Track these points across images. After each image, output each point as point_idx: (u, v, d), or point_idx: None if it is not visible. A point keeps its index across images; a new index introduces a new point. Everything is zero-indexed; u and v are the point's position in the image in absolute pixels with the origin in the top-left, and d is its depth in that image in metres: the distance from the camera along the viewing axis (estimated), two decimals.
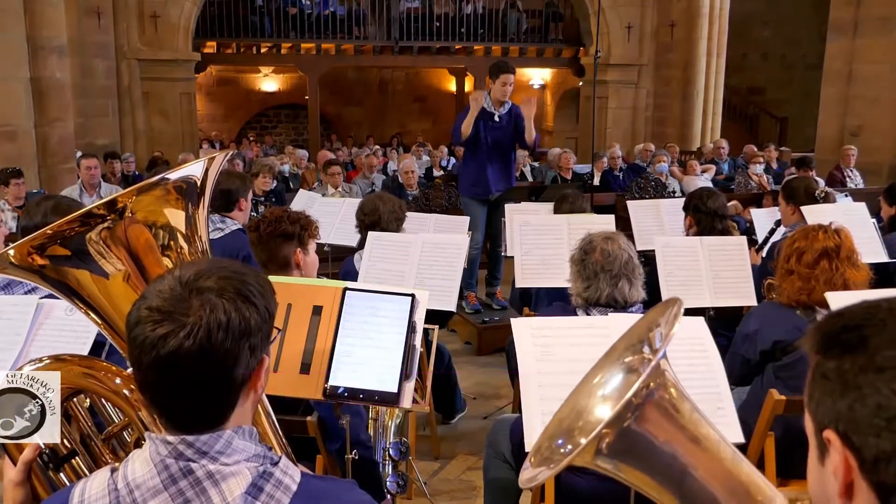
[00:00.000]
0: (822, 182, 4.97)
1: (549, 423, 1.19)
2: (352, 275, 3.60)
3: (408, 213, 3.95)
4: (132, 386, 1.29)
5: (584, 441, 0.97)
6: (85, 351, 2.24)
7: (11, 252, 1.21)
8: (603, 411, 1.16)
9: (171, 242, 1.30)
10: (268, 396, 1.47)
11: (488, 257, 5.81)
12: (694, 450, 0.97)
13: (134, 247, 1.25)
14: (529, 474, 1.10)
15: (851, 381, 0.76)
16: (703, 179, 8.30)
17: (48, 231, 1.19)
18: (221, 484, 1.04)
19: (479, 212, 5.45)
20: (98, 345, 2.27)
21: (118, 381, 1.30)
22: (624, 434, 0.93)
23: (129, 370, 1.27)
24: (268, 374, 1.14)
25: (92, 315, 1.30)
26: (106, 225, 1.22)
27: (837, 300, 2.38)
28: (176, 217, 1.31)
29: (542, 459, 1.14)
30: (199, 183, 1.35)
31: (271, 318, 1.11)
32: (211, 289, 1.04)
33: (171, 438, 1.05)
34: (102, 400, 1.37)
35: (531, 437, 2.07)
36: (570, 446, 1.12)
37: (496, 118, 5.32)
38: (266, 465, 1.08)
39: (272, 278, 2.26)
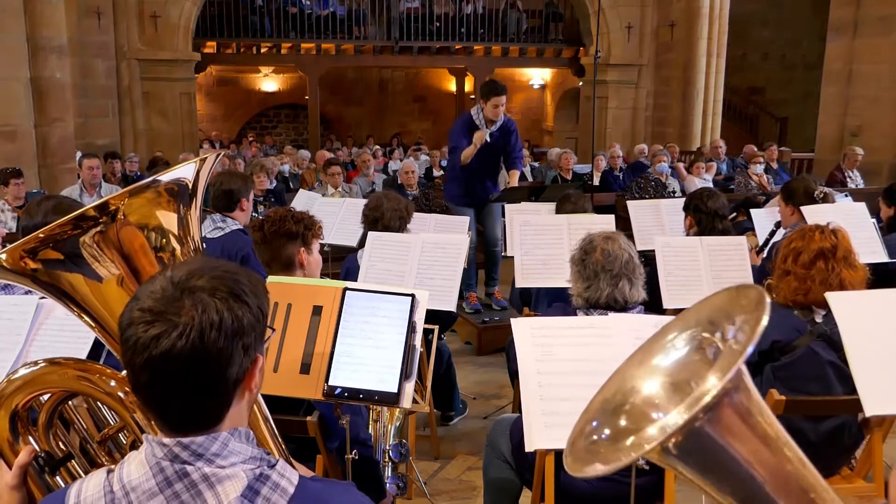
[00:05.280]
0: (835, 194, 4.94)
1: (591, 402, 1.04)
2: (354, 272, 3.60)
3: None
4: (127, 388, 1.28)
5: (648, 440, 0.89)
6: (85, 351, 2.25)
7: (3, 256, 1.19)
8: (656, 395, 1.01)
9: (164, 243, 1.30)
10: (269, 396, 1.46)
11: (484, 258, 5.82)
12: (762, 451, 0.92)
13: (127, 249, 1.24)
14: (580, 465, 0.96)
15: None
16: (703, 180, 8.31)
17: (40, 235, 1.18)
18: (217, 487, 1.03)
19: (467, 213, 5.47)
20: (99, 345, 2.27)
21: (113, 383, 1.29)
22: (693, 434, 0.87)
23: (124, 372, 1.27)
24: (262, 373, 1.14)
25: (86, 319, 1.29)
26: (98, 228, 1.21)
27: (837, 300, 2.39)
28: (168, 219, 1.30)
29: (588, 445, 1.00)
30: (190, 185, 1.34)
31: (264, 317, 1.10)
32: (203, 288, 1.04)
33: (166, 441, 1.04)
34: (98, 403, 1.36)
35: (531, 436, 2.07)
36: (627, 438, 0.97)
37: (488, 137, 5.34)
38: (263, 467, 1.07)
39: (274, 278, 2.29)
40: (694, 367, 0.98)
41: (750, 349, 0.86)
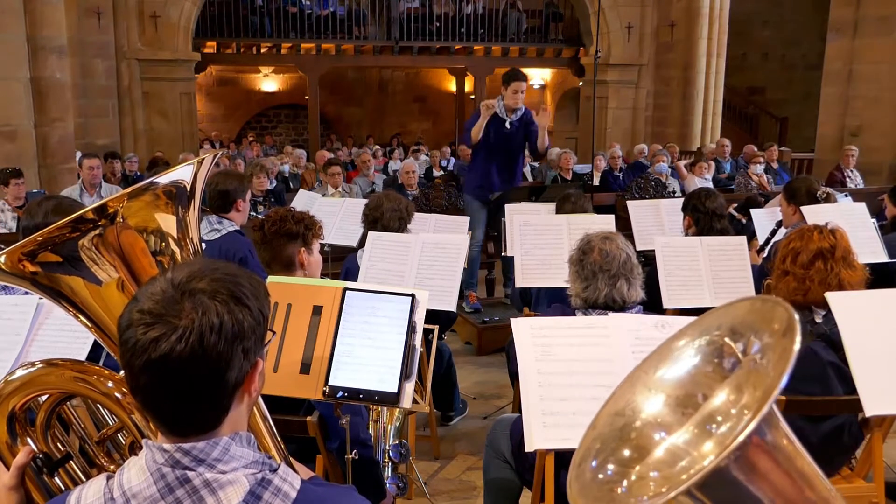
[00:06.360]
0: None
1: (598, 415, 0.98)
2: (354, 272, 3.60)
3: None
4: (124, 389, 1.28)
5: (674, 485, 0.77)
6: (85, 351, 2.25)
7: (2, 259, 1.19)
8: (667, 414, 0.94)
9: (163, 246, 1.29)
10: (269, 396, 1.46)
11: (502, 261, 5.83)
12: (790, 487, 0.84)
13: (126, 252, 1.24)
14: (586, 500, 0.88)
15: None
16: (703, 180, 8.31)
17: (38, 237, 1.17)
18: (219, 492, 1.02)
19: (480, 211, 5.53)
20: (99, 345, 2.27)
21: (110, 384, 1.29)
22: (715, 473, 0.78)
23: (122, 373, 1.27)
24: (262, 377, 1.13)
25: (86, 321, 1.28)
26: (97, 231, 1.20)
27: (837, 300, 2.38)
28: (167, 221, 1.29)
29: (599, 483, 0.92)
30: (188, 187, 1.33)
31: (265, 320, 1.09)
32: (203, 291, 1.02)
33: (167, 446, 1.03)
34: (97, 404, 1.36)
35: (531, 436, 2.07)
36: (647, 483, 0.89)
37: (507, 125, 5.37)
38: (265, 472, 1.06)
39: (274, 278, 2.29)
40: (705, 378, 0.92)
41: (783, 381, 0.78)
